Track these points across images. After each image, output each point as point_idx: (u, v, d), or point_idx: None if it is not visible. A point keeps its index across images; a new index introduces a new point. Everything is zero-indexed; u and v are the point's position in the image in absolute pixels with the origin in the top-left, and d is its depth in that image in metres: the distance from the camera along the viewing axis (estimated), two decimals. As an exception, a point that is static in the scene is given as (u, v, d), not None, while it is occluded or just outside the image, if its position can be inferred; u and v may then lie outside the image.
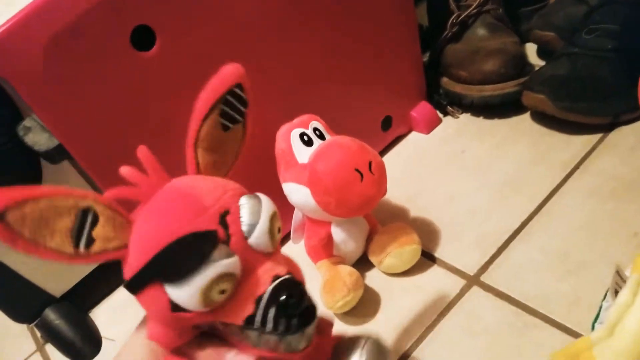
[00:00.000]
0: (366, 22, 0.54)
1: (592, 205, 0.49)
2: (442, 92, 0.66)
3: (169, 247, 0.22)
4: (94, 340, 0.53)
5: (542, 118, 0.59)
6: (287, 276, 0.24)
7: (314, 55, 0.51)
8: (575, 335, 0.40)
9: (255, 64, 0.46)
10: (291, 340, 0.24)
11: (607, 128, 0.56)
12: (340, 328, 0.47)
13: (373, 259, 0.50)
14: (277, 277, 0.24)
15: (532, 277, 0.45)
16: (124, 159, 0.39)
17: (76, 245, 0.22)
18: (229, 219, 0.23)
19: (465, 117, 0.66)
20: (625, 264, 0.32)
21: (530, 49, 0.70)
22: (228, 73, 0.26)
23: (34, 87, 0.34)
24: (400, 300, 0.47)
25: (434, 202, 0.56)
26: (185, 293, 0.22)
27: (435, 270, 0.49)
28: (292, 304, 0.23)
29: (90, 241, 0.22)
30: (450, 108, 0.66)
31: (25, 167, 0.43)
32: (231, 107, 0.26)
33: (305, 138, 0.43)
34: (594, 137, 0.56)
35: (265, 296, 0.23)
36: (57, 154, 0.36)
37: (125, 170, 0.24)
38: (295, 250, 0.51)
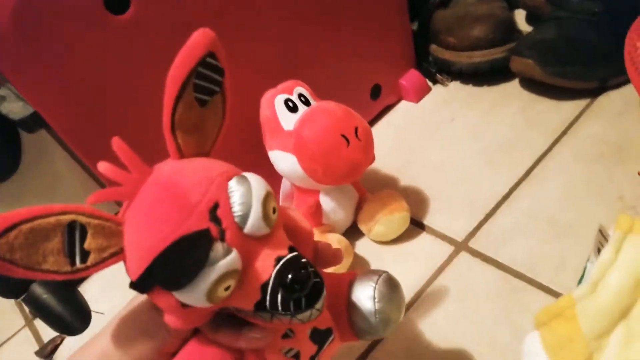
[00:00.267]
0: (353, -13, 0.53)
1: (579, 169, 0.50)
2: (431, 60, 0.65)
3: (162, 256, 0.21)
4: (83, 314, 0.53)
5: (531, 84, 0.59)
6: (289, 256, 0.23)
7: (300, 22, 0.50)
8: (562, 297, 0.40)
9: (240, 31, 0.45)
10: (302, 317, 0.23)
11: (595, 93, 0.56)
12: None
13: (362, 227, 0.50)
14: (279, 258, 0.23)
15: (519, 242, 0.46)
16: (101, 126, 0.38)
17: (72, 263, 0.21)
18: (219, 212, 0.22)
19: (455, 85, 0.65)
20: (609, 226, 0.32)
21: (519, 16, 0.69)
22: (195, 42, 0.23)
23: (4, 51, 0.32)
24: (389, 267, 0.46)
25: (424, 170, 0.56)
26: (190, 297, 0.21)
27: (424, 238, 0.49)
28: (299, 286, 0.23)
29: (84, 255, 0.21)
30: (439, 76, 0.65)
31: (2, 138, 0.42)
32: (205, 79, 0.24)
33: (290, 104, 0.43)
34: (582, 102, 0.56)
35: (271, 281, 0.23)
36: (33, 123, 0.35)
37: (104, 167, 0.22)
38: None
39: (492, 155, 0.54)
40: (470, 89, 0.64)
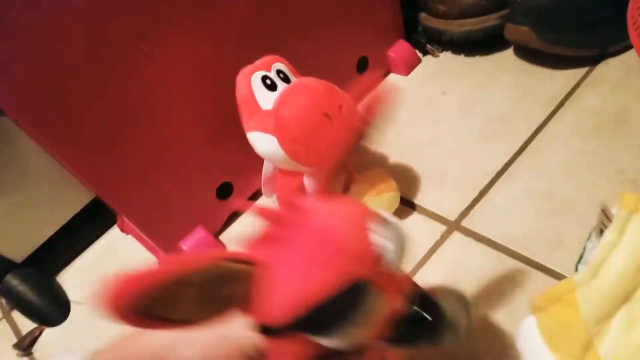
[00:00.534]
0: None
1: (576, 143, 0.48)
2: (420, 30, 0.63)
3: (328, 303, 0.21)
4: (62, 305, 0.51)
5: (526, 53, 0.57)
6: (418, 294, 0.25)
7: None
8: (558, 276, 0.39)
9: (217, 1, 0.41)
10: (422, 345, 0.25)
11: (593, 61, 0.54)
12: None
13: (350, 208, 0.48)
14: (408, 295, 0.24)
15: (514, 220, 0.44)
16: (60, 109, 0.35)
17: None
18: (377, 260, 0.22)
19: (446, 56, 0.63)
20: (609, 202, 0.30)
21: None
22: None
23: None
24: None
25: (414, 146, 0.54)
26: (336, 341, 0.22)
27: (415, 217, 0.48)
28: (426, 323, 0.25)
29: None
30: (429, 46, 0.63)
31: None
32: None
33: (268, 82, 0.40)
34: (580, 72, 0.54)
35: (405, 319, 0.24)
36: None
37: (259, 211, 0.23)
38: (268, 204, 0.49)
39: (485, 130, 0.52)
40: (462, 60, 0.61)
